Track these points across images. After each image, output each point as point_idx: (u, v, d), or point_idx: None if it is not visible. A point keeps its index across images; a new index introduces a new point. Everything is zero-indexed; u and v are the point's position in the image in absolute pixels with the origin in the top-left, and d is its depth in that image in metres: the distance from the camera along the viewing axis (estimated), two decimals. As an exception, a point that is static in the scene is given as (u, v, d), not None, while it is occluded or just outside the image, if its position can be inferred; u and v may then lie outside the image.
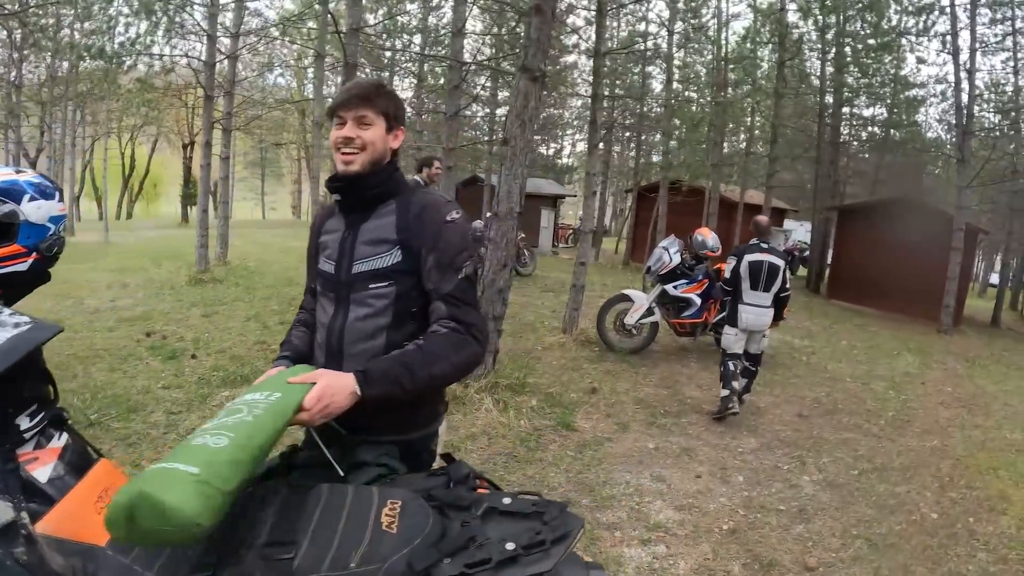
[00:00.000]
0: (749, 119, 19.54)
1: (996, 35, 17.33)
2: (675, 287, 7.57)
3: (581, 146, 36.40)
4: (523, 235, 12.98)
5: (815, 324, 11.88)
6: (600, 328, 7.85)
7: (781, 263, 5.83)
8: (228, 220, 12.69)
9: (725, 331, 5.98)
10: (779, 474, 4.83)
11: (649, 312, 7.68)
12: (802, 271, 22.82)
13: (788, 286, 5.96)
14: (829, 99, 19.56)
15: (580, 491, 4.19)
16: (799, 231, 27.10)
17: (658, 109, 19.14)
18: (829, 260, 19.31)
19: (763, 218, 6.18)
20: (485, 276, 5.44)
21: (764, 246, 5.89)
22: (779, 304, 5.96)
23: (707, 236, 7.75)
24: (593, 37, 8.88)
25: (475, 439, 4.72)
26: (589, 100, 21.54)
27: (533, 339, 8.12)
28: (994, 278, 30.48)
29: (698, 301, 7.60)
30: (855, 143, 23.67)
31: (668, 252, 7.62)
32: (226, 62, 11.66)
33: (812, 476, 4.83)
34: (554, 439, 5.01)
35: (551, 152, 35.85)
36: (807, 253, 21.62)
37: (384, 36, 16.99)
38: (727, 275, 5.93)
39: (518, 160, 5.33)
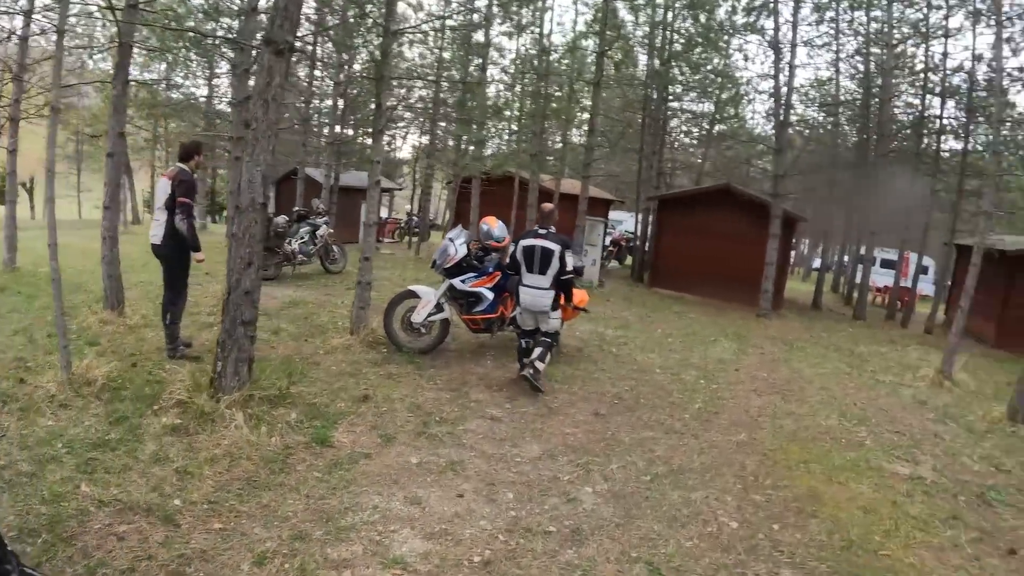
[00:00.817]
0: (580, 111, 19.76)
1: (819, 35, 18.94)
2: (463, 281, 7.44)
3: (413, 139, 35.91)
4: (332, 230, 13.28)
5: (632, 313, 12.06)
6: (387, 328, 7.59)
7: (555, 247, 6.46)
8: (15, 220, 11.84)
9: (516, 309, 6.83)
10: (557, 487, 4.63)
11: (439, 309, 7.47)
12: (629, 261, 23.63)
13: (570, 269, 6.54)
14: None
15: (316, 521, 3.74)
16: (629, 222, 28.18)
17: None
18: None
19: (548, 205, 6.90)
20: (229, 278, 5.19)
21: (541, 232, 6.57)
22: (562, 287, 6.63)
23: (492, 226, 7.48)
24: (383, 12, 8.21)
25: (215, 463, 4.33)
26: (420, 87, 21.62)
27: (318, 342, 7.48)
28: (817, 263, 33.62)
29: (490, 295, 7.24)
30: (683, 136, 24.97)
31: (454, 244, 7.52)
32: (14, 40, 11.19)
33: (596, 486, 4.67)
34: (304, 458, 4.56)
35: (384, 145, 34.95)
36: (635, 243, 22.38)
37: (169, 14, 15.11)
38: (508, 260, 6.70)
39: (260, 145, 5.12)
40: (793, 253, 42.35)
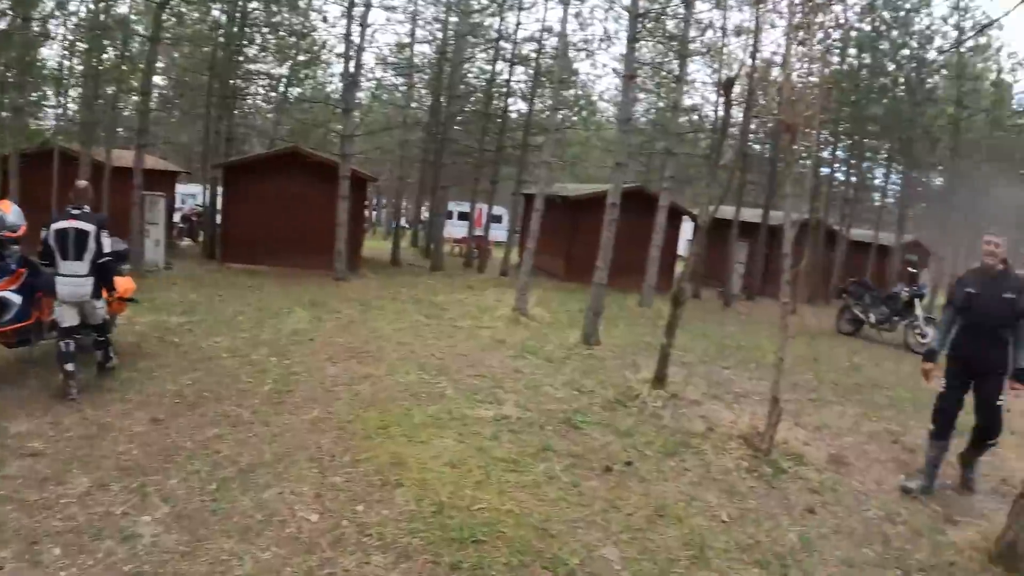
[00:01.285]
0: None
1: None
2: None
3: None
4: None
5: (201, 295, 10.91)
6: None
7: (91, 228, 5.87)
8: None
9: (55, 304, 5.95)
10: (111, 524, 3.74)
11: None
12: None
13: (107, 252, 6.02)
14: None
15: None
16: (201, 194, 25.91)
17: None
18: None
19: (81, 182, 6.24)
20: None
21: (75, 212, 5.89)
22: (102, 272, 6.02)
23: (7, 211, 5.76)
24: None
25: None
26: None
27: None
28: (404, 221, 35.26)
29: (17, 299, 5.65)
30: (258, 99, 23.60)
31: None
32: None
33: (155, 512, 3.96)
34: None
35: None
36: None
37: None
38: (42, 247, 5.94)
39: None
40: (375, 213, 44.33)
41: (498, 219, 31.99)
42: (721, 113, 19.01)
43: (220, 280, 13.33)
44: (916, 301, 13.44)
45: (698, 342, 10.91)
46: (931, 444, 5.28)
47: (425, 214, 33.36)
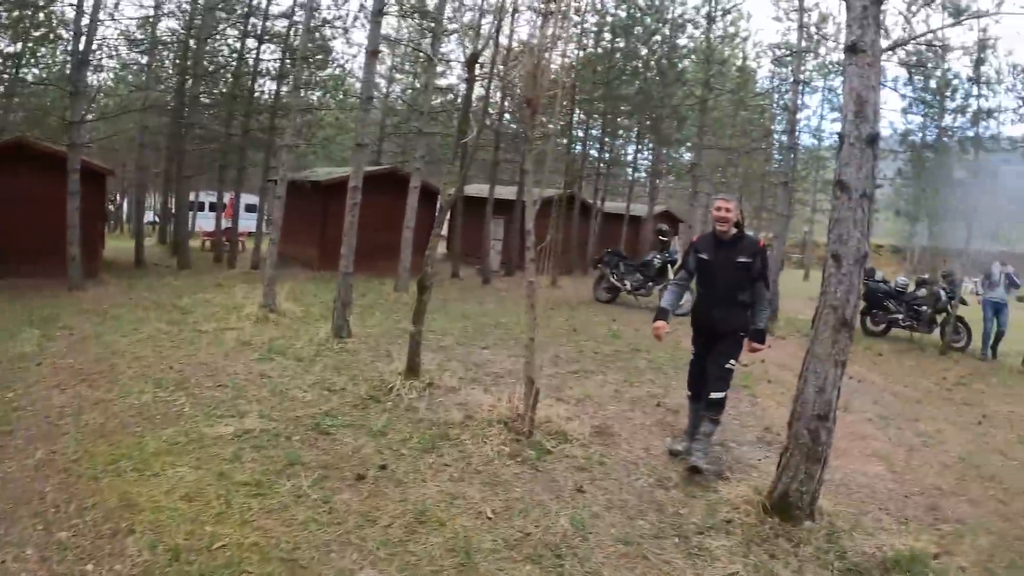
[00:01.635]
0: None
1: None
2: None
3: None
4: None
5: None
6: None
7: None
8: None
9: None
10: None
11: None
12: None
13: None
14: None
15: None
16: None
17: None
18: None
19: None
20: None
21: None
22: None
23: None
24: None
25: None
26: None
27: None
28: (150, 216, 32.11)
29: None
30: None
31: None
32: None
33: None
34: None
35: None
36: None
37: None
38: None
39: None
40: (120, 210, 39.95)
41: (253, 208, 30.14)
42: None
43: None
44: (668, 267, 14.30)
45: (456, 323, 10.75)
46: (690, 407, 5.42)
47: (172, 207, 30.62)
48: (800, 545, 3.93)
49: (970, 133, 14.93)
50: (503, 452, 4.94)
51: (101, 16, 14.82)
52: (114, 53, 21.02)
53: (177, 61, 20.89)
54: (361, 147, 8.92)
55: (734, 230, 5.09)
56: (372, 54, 9.04)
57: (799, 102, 15.54)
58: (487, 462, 4.81)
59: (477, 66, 6.04)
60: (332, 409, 5.84)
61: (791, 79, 15.41)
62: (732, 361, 5.07)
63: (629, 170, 27.74)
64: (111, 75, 23.32)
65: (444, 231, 24.07)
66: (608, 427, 5.80)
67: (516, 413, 5.34)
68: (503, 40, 16.41)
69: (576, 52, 20.91)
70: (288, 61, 19.60)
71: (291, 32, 19.91)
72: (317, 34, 19.39)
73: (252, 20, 20.14)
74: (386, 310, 11.74)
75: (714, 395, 5.03)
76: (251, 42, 20.49)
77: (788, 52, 17.86)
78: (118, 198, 39.15)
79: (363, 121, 9.11)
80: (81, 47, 13.78)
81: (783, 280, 17.46)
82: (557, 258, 19.60)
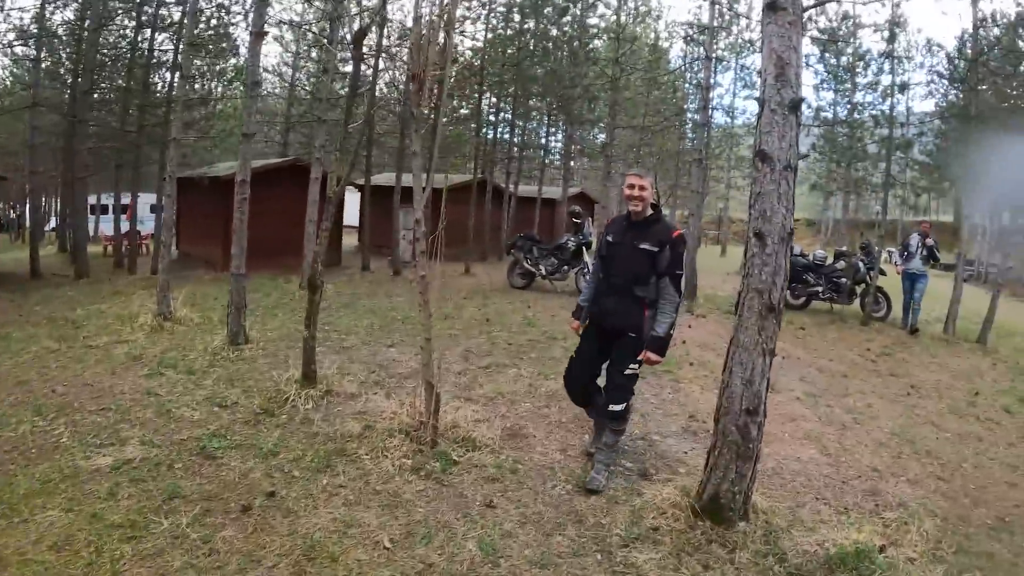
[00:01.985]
0: None
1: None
2: None
3: None
4: None
5: None
6: None
7: None
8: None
9: None
10: None
11: None
12: None
13: None
14: None
15: None
16: None
17: None
18: None
19: None
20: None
21: None
22: None
23: None
24: None
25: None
26: None
27: None
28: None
29: None
30: None
31: None
32: None
33: None
34: None
35: None
36: None
37: None
38: None
39: None
40: (23, 216, 37.26)
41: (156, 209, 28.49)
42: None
43: None
44: (584, 249, 13.99)
45: (363, 319, 10.13)
46: (587, 412, 4.95)
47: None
48: (736, 551, 3.60)
49: (883, 108, 15.23)
50: (404, 467, 4.42)
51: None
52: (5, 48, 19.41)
53: (72, 55, 19.07)
54: (247, 137, 8.11)
55: (649, 211, 4.43)
56: (257, 35, 8.21)
57: (712, 80, 15.47)
58: (387, 479, 4.28)
59: (366, 45, 5.46)
60: (221, 428, 5.19)
61: (704, 55, 15.28)
62: (632, 366, 4.39)
63: (541, 152, 27.45)
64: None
65: (355, 223, 23.38)
66: (521, 428, 5.35)
67: (419, 420, 4.81)
68: (397, 16, 15.75)
69: (485, 33, 20.45)
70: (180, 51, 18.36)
71: (186, 19, 18.45)
72: (214, 20, 18.32)
73: (146, 7, 18.63)
74: (290, 311, 10.91)
75: (613, 407, 4.42)
76: (147, 32, 18.95)
77: (700, 30, 17.86)
78: (18, 206, 36.70)
79: (249, 109, 8.29)
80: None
81: (700, 256, 17.41)
82: (469, 245, 19.19)
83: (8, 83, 22.34)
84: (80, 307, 11.39)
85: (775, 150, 3.54)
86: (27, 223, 37.11)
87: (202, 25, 18.34)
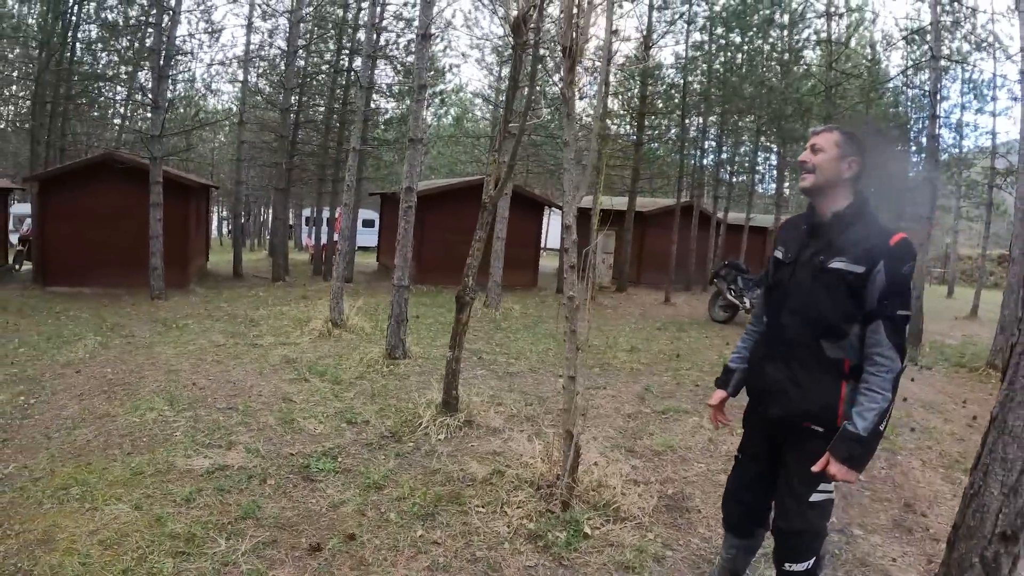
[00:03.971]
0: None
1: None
2: None
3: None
4: None
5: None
6: None
7: None
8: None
9: None
10: None
11: None
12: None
13: None
14: None
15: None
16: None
17: None
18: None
19: None
20: None
21: None
22: None
23: None
24: None
25: None
26: None
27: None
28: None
29: None
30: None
31: None
32: None
33: None
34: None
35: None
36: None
37: None
38: None
39: None
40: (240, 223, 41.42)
41: (371, 223, 30.09)
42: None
43: (26, 305, 11.17)
44: (794, 280, 12.48)
45: (540, 343, 9.44)
46: (725, 545, 3.00)
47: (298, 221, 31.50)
48: None
49: None
50: (521, 530, 3.52)
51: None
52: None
53: (279, 77, 20.59)
54: (414, 142, 7.72)
55: (843, 199, 2.49)
56: (424, 37, 7.82)
57: (940, 84, 13.14)
58: (493, 544, 3.41)
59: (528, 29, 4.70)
60: (336, 447, 4.70)
61: (929, 55, 13.05)
62: (824, 488, 2.49)
63: (750, 175, 25.59)
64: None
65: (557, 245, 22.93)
66: (685, 497, 4.22)
67: (556, 474, 3.92)
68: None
69: (686, 48, 19.37)
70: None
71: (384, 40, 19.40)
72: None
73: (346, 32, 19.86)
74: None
75: (790, 567, 2.58)
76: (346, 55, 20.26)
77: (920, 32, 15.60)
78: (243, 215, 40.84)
79: (417, 113, 7.91)
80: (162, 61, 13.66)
81: (925, 297, 14.84)
82: (671, 272, 18.03)
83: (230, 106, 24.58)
84: (264, 307, 11.91)
85: None
86: (251, 230, 41.24)
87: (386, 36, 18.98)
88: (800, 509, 2.50)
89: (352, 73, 19.49)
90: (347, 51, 19.84)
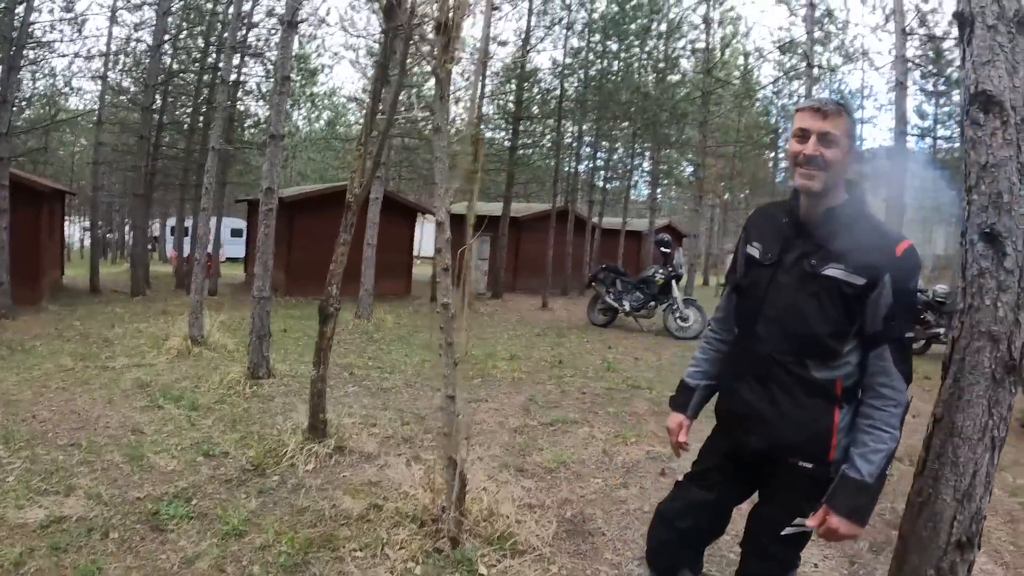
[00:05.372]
0: None
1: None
2: None
3: None
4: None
5: None
6: None
7: None
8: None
9: None
10: None
11: None
12: None
13: None
14: None
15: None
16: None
17: None
18: None
19: None
20: None
21: None
22: None
23: None
24: None
25: None
26: None
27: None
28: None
29: None
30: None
31: None
32: None
33: None
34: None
35: None
36: None
37: None
38: None
39: None
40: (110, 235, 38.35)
41: (240, 233, 28.33)
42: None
43: None
44: (673, 282, 12.48)
45: (416, 355, 8.91)
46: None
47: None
48: None
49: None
50: (407, 574, 3.06)
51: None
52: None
53: (141, 75, 18.92)
54: (275, 138, 7.03)
55: (840, 196, 2.08)
56: (290, 25, 7.18)
57: (812, 92, 13.85)
58: (375, 597, 2.92)
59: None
60: (192, 487, 3.99)
61: (804, 63, 13.74)
62: (800, 520, 2.08)
63: (626, 180, 26.15)
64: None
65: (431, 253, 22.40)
66: (587, 520, 3.82)
67: (440, 505, 3.44)
68: None
69: (563, 55, 19.46)
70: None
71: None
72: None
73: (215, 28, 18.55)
74: (336, 341, 9.80)
75: None
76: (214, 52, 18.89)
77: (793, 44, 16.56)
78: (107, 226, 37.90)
79: (278, 107, 7.22)
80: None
81: None
82: (548, 278, 17.95)
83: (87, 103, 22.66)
84: (120, 324, 10.80)
85: (1005, 90, 2.09)
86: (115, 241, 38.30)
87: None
88: (775, 548, 2.19)
89: (220, 74, 18.16)
90: (215, 46, 18.44)
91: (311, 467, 4.33)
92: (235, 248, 27.83)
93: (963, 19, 2.17)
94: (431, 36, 3.23)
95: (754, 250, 2.21)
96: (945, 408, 2.24)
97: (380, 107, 4.71)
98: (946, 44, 17.28)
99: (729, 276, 2.41)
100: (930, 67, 18.78)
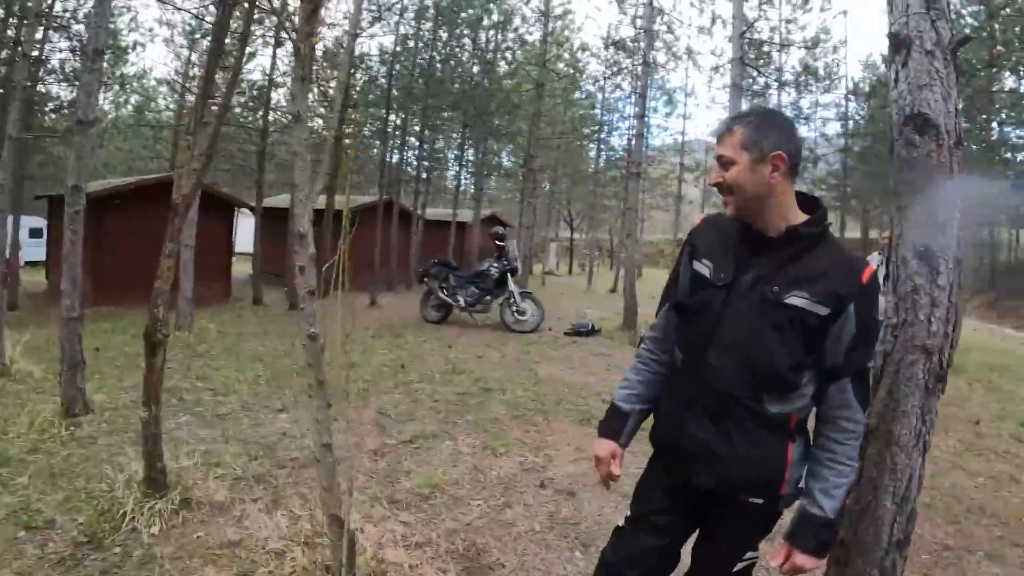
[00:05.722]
0: None
1: None
2: None
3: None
4: None
5: None
6: None
7: None
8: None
9: None
10: None
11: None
12: None
13: None
14: None
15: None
16: None
17: None
18: None
19: None
20: None
21: None
22: None
23: None
24: None
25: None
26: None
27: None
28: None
29: None
30: None
31: None
32: None
33: None
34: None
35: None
36: None
37: None
38: None
39: None
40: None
41: (39, 233, 24.95)
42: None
43: None
44: (508, 276, 12.51)
45: (248, 370, 8.07)
46: None
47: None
48: None
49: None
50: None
51: None
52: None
53: None
54: (84, 125, 5.96)
55: (793, 214, 1.90)
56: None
57: (649, 83, 14.44)
58: None
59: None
60: (23, 566, 3.23)
61: (641, 60, 14.30)
62: (750, 555, 2.09)
63: (452, 173, 26.06)
64: None
65: (249, 249, 21.08)
66: (480, 551, 3.52)
67: (323, 565, 2.97)
68: None
69: (394, 43, 18.95)
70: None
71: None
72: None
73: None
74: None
75: None
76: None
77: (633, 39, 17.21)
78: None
79: (89, 87, 6.16)
80: None
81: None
82: (376, 274, 17.44)
83: None
84: None
85: (940, 114, 2.08)
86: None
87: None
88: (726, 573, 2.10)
89: (20, 47, 15.77)
90: (17, 16, 16.02)
91: (156, 530, 3.64)
92: (35, 251, 24.64)
93: (899, 41, 2.15)
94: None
95: (704, 268, 2.01)
96: (880, 419, 2.27)
97: (212, 91, 4.11)
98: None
99: (668, 292, 2.20)
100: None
